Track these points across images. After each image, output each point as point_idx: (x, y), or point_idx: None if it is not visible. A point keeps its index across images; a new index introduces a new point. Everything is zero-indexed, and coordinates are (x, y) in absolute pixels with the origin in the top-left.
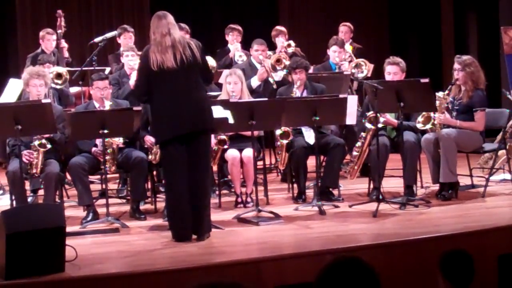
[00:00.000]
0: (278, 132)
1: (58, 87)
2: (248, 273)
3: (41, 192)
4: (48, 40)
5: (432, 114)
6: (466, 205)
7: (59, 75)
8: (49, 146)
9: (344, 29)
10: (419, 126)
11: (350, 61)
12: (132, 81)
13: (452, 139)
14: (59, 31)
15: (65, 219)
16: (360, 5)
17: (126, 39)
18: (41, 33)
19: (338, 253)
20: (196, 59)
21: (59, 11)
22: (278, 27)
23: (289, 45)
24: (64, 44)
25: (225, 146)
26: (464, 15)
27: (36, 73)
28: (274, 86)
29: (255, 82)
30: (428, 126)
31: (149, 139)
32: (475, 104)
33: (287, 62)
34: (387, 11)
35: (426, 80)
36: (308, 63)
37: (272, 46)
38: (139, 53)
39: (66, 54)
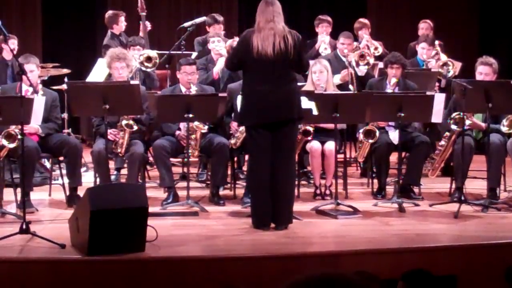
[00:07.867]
0: (361, 129)
1: (147, 70)
2: (326, 266)
3: (123, 171)
4: (122, 22)
5: None
6: None
7: (149, 58)
8: (135, 127)
9: (425, 26)
10: (504, 129)
11: (437, 59)
12: (217, 68)
13: None
14: (142, 13)
15: (147, 200)
16: (451, 1)
17: (216, 30)
18: (110, 15)
19: (417, 252)
20: (291, 51)
21: None
22: (361, 20)
23: (376, 48)
24: (149, 26)
25: (309, 138)
26: None
27: (117, 56)
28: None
29: (337, 80)
30: None
31: (235, 125)
32: None
33: (371, 59)
34: (478, 9)
35: None
36: (406, 60)
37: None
38: (225, 38)
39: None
